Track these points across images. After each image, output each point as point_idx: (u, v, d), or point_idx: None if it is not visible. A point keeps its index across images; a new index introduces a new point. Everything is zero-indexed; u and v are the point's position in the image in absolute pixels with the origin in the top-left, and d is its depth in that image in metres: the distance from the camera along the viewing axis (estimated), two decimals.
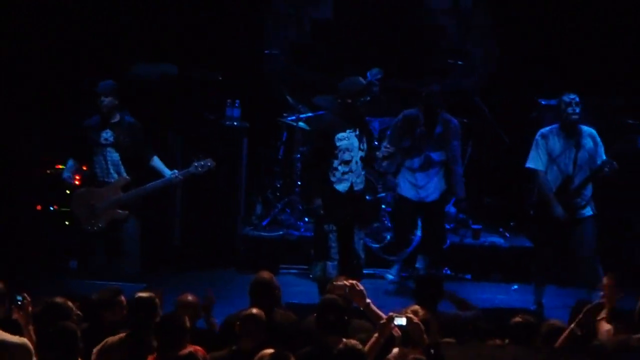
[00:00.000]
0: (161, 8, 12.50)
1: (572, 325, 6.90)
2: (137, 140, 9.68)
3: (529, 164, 9.84)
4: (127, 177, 9.63)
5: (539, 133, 9.87)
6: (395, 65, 12.53)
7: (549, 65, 12.39)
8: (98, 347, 6.59)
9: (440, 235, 10.72)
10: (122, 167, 9.65)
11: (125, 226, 9.64)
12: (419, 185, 10.44)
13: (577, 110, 9.61)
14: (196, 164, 9.63)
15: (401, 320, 6.37)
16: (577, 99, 9.62)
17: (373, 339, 6.45)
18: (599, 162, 9.61)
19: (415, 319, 6.38)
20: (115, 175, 9.64)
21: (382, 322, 6.42)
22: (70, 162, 9.82)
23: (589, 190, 9.75)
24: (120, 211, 9.61)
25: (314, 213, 9.60)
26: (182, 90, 11.98)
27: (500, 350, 6.66)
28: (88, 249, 9.79)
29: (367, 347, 6.35)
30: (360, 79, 9.52)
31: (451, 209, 11.51)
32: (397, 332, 6.40)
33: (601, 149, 9.67)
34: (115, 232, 9.64)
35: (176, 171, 9.64)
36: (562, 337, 6.75)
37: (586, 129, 9.76)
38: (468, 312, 7.82)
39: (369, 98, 11.56)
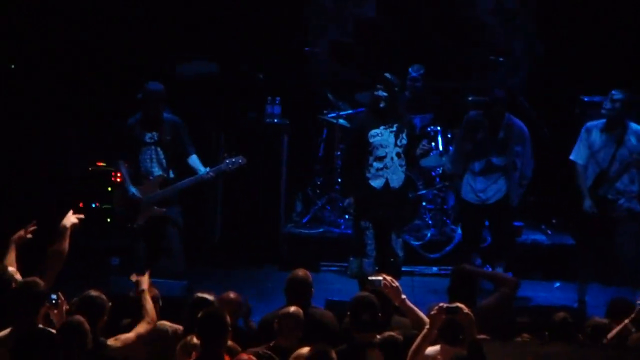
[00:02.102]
0: (203, 7, 12.54)
1: (626, 322, 6.83)
2: (179, 137, 9.74)
3: (571, 156, 9.83)
4: (164, 174, 9.68)
5: (585, 126, 9.86)
6: (438, 64, 12.48)
7: (592, 62, 12.28)
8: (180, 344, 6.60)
9: (507, 238, 10.48)
10: (166, 165, 9.71)
11: (168, 224, 9.68)
12: (478, 189, 10.26)
13: (609, 106, 9.58)
14: (227, 161, 9.67)
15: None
16: (617, 96, 9.56)
17: (424, 331, 6.43)
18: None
19: (467, 310, 6.35)
20: (159, 173, 9.69)
21: (432, 312, 6.40)
22: (124, 168, 9.82)
23: (633, 187, 9.65)
24: (157, 208, 9.66)
25: (347, 211, 9.60)
26: (224, 88, 12.02)
27: (542, 347, 6.61)
28: (130, 246, 9.84)
29: (418, 339, 6.33)
30: (392, 76, 9.45)
31: None
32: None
33: None
34: (156, 230, 9.68)
35: (208, 169, 9.67)
36: (613, 333, 6.68)
37: (634, 126, 9.68)
38: (504, 290, 7.77)
39: (408, 94, 11.63)
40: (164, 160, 9.72)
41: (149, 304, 6.88)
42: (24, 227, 7.57)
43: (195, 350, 6.28)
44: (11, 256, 7.36)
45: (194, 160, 9.73)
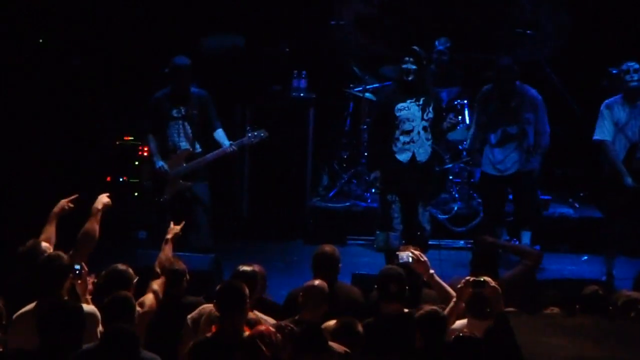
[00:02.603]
0: None
1: None
2: (206, 111, 9.75)
3: (596, 136, 9.75)
4: (190, 148, 9.69)
5: (603, 104, 9.80)
6: (465, 37, 12.41)
7: (621, 34, 12.19)
8: (202, 316, 6.61)
9: (529, 207, 10.48)
10: (193, 139, 9.72)
11: (196, 198, 9.70)
12: (497, 160, 10.28)
13: (635, 77, 9.54)
14: (250, 135, 9.70)
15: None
16: (636, 66, 9.55)
17: (452, 304, 6.41)
18: None
19: (494, 283, 6.33)
20: (186, 147, 9.71)
21: (459, 286, 6.38)
22: (152, 142, 9.84)
23: None
24: (182, 182, 9.68)
25: (373, 185, 9.58)
26: (250, 61, 12.00)
27: (572, 319, 6.58)
28: (157, 220, 9.87)
29: (446, 312, 6.33)
30: (420, 49, 9.40)
31: None
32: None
33: None
34: (183, 204, 9.70)
35: (231, 142, 9.67)
36: None
37: None
38: (527, 262, 7.75)
39: (434, 67, 11.57)
40: (191, 134, 9.74)
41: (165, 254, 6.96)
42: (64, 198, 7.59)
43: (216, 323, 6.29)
44: (50, 229, 7.39)
45: (219, 134, 9.75)
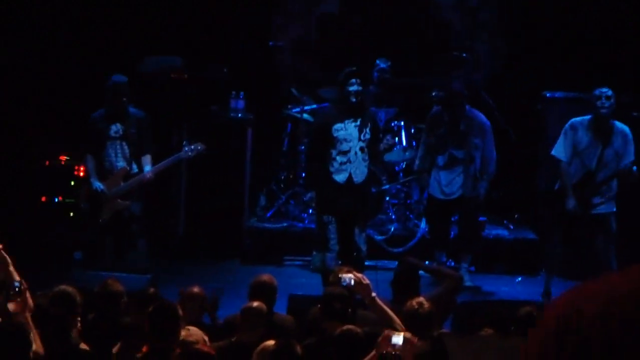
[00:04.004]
0: (168, 0, 12.50)
1: None
2: (143, 132, 9.72)
3: (554, 152, 9.74)
4: (127, 167, 9.66)
5: (570, 122, 9.72)
6: (401, 60, 12.52)
7: (555, 59, 12.37)
8: None
9: (471, 231, 10.60)
10: (131, 159, 9.69)
11: (132, 218, 9.67)
12: (443, 183, 10.38)
13: (607, 104, 9.42)
14: (186, 149, 9.68)
15: (398, 339, 6.36)
16: (609, 93, 9.44)
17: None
18: (625, 161, 9.47)
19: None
20: (125, 166, 9.68)
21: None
22: (90, 163, 9.77)
23: (612, 188, 9.65)
24: (120, 201, 9.64)
25: (309, 205, 9.61)
26: (187, 82, 11.99)
27: (506, 340, 6.64)
28: (95, 241, 9.81)
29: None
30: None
31: None
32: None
33: (631, 148, 9.52)
34: (121, 225, 9.66)
35: (150, 169, 9.60)
36: None
37: (620, 126, 9.60)
38: (448, 284, 7.80)
39: (373, 88, 11.66)
40: (128, 154, 9.70)
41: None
42: None
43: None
44: None
45: (146, 159, 9.70)
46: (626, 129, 9.59)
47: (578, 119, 9.70)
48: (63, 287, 6.65)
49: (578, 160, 9.64)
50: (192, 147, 9.69)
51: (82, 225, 10.31)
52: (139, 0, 12.36)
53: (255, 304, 6.84)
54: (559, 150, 9.70)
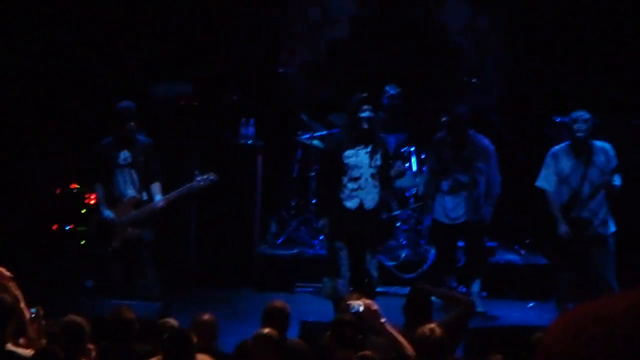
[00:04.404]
0: (177, 27, 12.55)
1: None
2: (151, 159, 9.73)
3: (538, 183, 9.83)
4: (138, 195, 9.66)
5: (550, 152, 9.83)
6: (412, 85, 12.53)
7: (565, 83, 12.38)
8: None
9: (479, 255, 10.58)
10: (139, 187, 9.69)
11: (143, 246, 9.66)
12: (448, 207, 10.39)
13: (583, 127, 9.52)
14: (198, 179, 9.67)
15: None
16: (585, 116, 9.54)
17: None
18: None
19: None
20: (132, 195, 9.68)
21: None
22: (100, 191, 9.77)
23: (603, 208, 9.69)
24: (132, 230, 9.64)
25: (321, 232, 9.59)
26: (198, 109, 12.02)
27: None
28: (105, 268, 9.81)
29: None
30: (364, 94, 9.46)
31: None
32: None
33: (614, 164, 9.57)
34: (131, 252, 9.66)
35: (161, 198, 9.61)
36: None
37: (599, 144, 9.67)
38: (460, 310, 7.78)
39: (383, 114, 11.68)
40: (137, 182, 9.71)
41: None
42: None
43: None
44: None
45: (155, 187, 9.71)
46: (607, 146, 9.67)
47: (557, 147, 9.81)
48: (72, 316, 6.65)
49: (565, 186, 9.69)
50: (205, 177, 9.67)
51: (93, 253, 10.31)
52: (149, 26, 12.40)
53: (267, 330, 6.84)
54: (543, 180, 9.78)
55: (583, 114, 9.56)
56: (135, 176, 9.69)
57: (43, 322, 6.66)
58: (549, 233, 9.96)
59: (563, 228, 9.61)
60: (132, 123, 9.61)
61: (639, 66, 12.25)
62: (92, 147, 9.90)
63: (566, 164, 9.68)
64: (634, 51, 12.27)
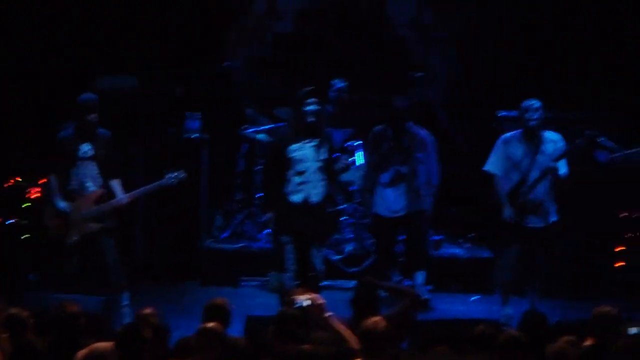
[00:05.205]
0: (121, 20, 12.48)
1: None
2: (113, 152, 9.66)
3: (487, 167, 9.90)
4: (100, 190, 9.58)
5: (501, 138, 9.93)
6: (358, 79, 12.56)
7: (509, 77, 12.48)
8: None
9: (421, 247, 10.62)
10: (99, 181, 9.60)
11: (104, 237, 9.57)
12: (389, 200, 10.45)
13: (535, 115, 9.65)
14: (167, 176, 9.63)
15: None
16: (536, 105, 9.66)
17: None
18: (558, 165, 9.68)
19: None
20: (93, 189, 9.59)
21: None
22: (54, 183, 9.65)
23: (548, 196, 9.80)
24: (93, 225, 9.56)
25: (267, 225, 9.60)
26: (143, 103, 11.96)
27: (460, 357, 6.68)
28: (61, 261, 9.72)
29: None
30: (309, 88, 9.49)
31: None
32: None
33: (561, 152, 9.69)
34: (91, 246, 9.57)
35: (124, 196, 9.58)
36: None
37: (549, 134, 9.80)
38: (405, 303, 7.83)
39: (330, 107, 11.70)
40: (97, 175, 9.61)
41: None
42: None
43: None
44: None
45: (116, 182, 9.65)
46: (557, 136, 9.81)
47: (509, 133, 9.92)
48: (14, 310, 6.61)
49: (517, 171, 9.78)
50: (175, 174, 9.63)
51: (41, 246, 10.21)
52: (91, 19, 12.31)
53: (211, 324, 6.82)
54: (491, 164, 9.88)
55: (534, 103, 9.69)
56: (95, 170, 9.59)
57: None
58: (493, 223, 10.02)
59: (508, 211, 9.70)
60: (93, 115, 9.51)
61: (580, 59, 12.40)
62: (37, 140, 9.80)
63: (517, 149, 9.78)
64: (572, 43, 12.42)
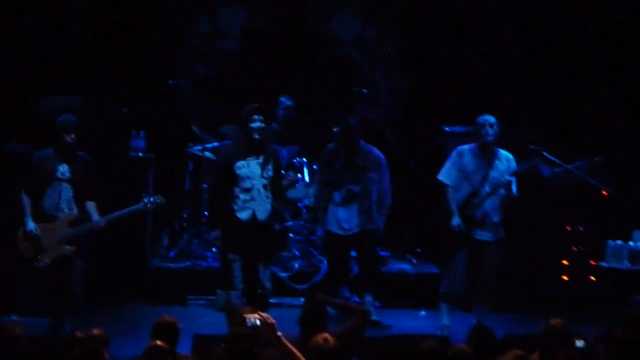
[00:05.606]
0: (66, 39, 12.40)
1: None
2: (91, 176, 9.58)
3: (440, 177, 9.99)
4: (75, 213, 9.49)
5: (456, 149, 10.04)
6: (304, 96, 12.57)
7: (454, 94, 12.56)
8: None
9: (371, 266, 10.64)
10: (73, 203, 9.51)
11: (74, 265, 9.48)
12: (341, 219, 10.48)
13: (491, 131, 9.78)
14: (145, 200, 9.60)
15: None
16: (491, 120, 9.80)
17: None
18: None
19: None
20: (66, 211, 9.49)
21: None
22: (26, 201, 9.53)
23: (496, 212, 9.86)
24: (67, 247, 9.46)
25: (214, 244, 9.56)
26: (87, 122, 11.86)
27: None
28: (27, 284, 9.60)
29: None
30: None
31: None
32: None
33: (513, 170, 9.81)
34: (61, 268, 9.46)
35: (100, 219, 9.51)
36: None
37: (503, 152, 9.93)
38: (354, 320, 7.83)
39: (276, 125, 11.70)
40: (72, 198, 9.52)
41: None
42: None
43: None
44: None
45: (92, 205, 9.57)
46: (510, 155, 9.94)
47: (464, 146, 10.03)
48: None
49: (466, 184, 9.89)
50: (152, 199, 9.63)
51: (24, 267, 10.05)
52: (34, 39, 12.22)
53: (159, 342, 6.78)
54: (444, 174, 9.97)
55: (489, 118, 9.83)
56: (70, 192, 9.50)
57: None
58: (441, 234, 10.06)
59: (456, 221, 9.80)
60: (72, 136, 9.44)
61: (525, 74, 12.53)
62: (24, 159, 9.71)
63: (471, 162, 9.89)
64: (515, 58, 12.55)
